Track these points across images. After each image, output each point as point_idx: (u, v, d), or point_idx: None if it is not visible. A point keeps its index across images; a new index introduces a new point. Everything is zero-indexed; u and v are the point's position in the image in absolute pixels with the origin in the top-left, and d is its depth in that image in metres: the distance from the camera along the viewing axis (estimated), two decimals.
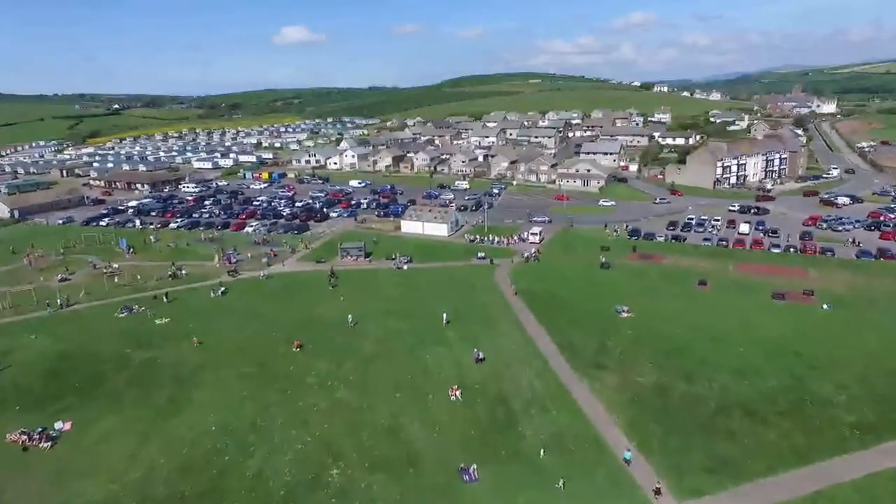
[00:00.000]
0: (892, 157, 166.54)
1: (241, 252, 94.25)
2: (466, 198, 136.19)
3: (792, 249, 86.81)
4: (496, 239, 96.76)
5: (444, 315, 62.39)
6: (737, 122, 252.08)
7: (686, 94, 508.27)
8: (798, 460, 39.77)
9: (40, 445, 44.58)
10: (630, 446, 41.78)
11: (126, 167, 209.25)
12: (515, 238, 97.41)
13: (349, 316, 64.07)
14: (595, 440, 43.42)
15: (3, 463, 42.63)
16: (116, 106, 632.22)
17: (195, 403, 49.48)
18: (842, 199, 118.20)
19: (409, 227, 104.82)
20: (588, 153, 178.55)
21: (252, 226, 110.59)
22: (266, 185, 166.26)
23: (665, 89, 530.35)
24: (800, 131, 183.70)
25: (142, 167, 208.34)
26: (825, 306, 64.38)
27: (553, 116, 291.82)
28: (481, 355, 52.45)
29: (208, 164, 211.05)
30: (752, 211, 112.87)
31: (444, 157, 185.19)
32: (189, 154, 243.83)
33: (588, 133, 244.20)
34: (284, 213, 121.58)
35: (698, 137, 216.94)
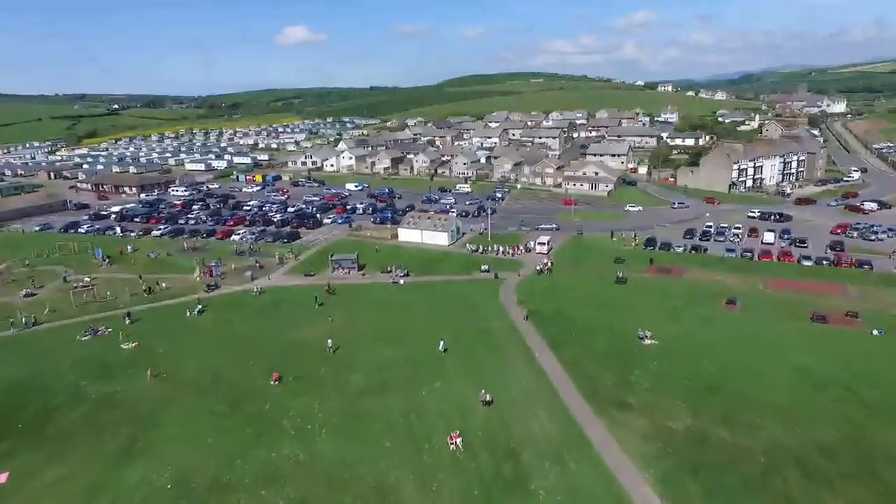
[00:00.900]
0: None
1: (224, 263, 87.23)
2: (468, 202, 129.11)
3: (825, 262, 79.46)
4: (500, 249, 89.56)
5: (441, 342, 55.15)
6: (747, 123, 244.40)
7: (691, 93, 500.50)
8: None
9: None
10: None
11: (116, 169, 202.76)
12: (521, 248, 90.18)
13: (329, 341, 56.95)
14: (621, 502, 36.27)
15: None
16: (116, 106, 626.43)
17: (153, 450, 42.35)
18: (869, 205, 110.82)
19: (407, 235, 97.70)
20: (595, 155, 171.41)
21: (239, 233, 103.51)
22: (259, 188, 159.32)
23: (669, 89, 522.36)
24: (816, 132, 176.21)
25: (132, 169, 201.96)
26: (875, 332, 57.01)
27: (557, 116, 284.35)
28: (489, 397, 45.12)
29: (201, 166, 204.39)
30: (774, 218, 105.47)
31: (444, 158, 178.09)
32: (183, 155, 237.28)
33: (593, 134, 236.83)
34: (275, 220, 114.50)
35: (708, 138, 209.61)
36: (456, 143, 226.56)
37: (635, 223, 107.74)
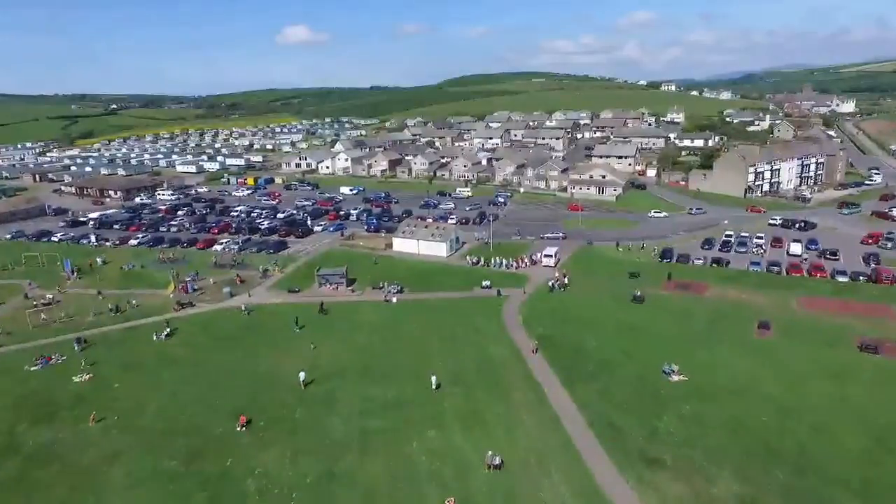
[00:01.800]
0: None
1: (202, 277, 79.97)
2: (468, 208, 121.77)
3: (861, 277, 72.00)
4: (503, 262, 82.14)
5: (434, 378, 47.77)
6: (757, 123, 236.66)
7: (694, 93, 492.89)
8: None
9: None
10: None
11: (104, 171, 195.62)
12: (526, 260, 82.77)
13: (301, 374, 49.75)
14: None
15: None
16: (114, 106, 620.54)
17: None
18: None
19: (403, 245, 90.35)
20: (600, 157, 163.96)
21: (222, 243, 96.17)
22: (250, 191, 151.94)
23: (673, 88, 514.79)
24: (832, 132, 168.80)
25: (120, 171, 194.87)
26: None
27: (560, 116, 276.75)
28: (497, 460, 37.46)
29: (192, 168, 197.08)
30: (798, 226, 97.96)
31: (444, 160, 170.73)
32: (175, 157, 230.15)
33: (598, 134, 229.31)
34: (263, 227, 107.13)
35: (717, 139, 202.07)
36: (456, 145, 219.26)
37: (648, 231, 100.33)
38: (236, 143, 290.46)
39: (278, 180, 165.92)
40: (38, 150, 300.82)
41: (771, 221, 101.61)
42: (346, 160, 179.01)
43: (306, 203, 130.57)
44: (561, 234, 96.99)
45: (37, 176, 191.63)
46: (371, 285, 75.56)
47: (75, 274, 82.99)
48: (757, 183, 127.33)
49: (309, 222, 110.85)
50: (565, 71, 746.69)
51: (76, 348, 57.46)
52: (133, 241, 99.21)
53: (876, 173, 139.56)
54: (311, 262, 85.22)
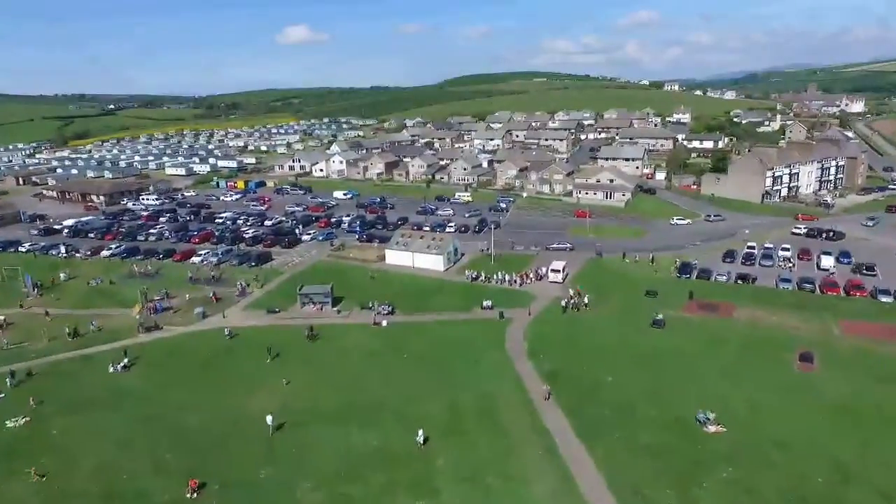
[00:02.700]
0: None
1: (174, 295, 72.67)
2: (467, 214, 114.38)
3: None
4: (506, 277, 74.70)
5: (420, 433, 40.19)
6: (768, 123, 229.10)
7: (698, 92, 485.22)
8: None
9: None
10: None
11: (91, 174, 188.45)
12: (531, 275, 75.35)
13: (268, 418, 42.56)
14: None
15: None
16: (111, 106, 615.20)
17: None
18: None
19: (396, 258, 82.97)
20: (606, 159, 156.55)
21: (200, 254, 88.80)
22: (240, 195, 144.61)
23: (676, 88, 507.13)
24: (850, 133, 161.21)
25: (107, 174, 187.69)
26: None
27: (563, 116, 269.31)
28: None
29: (182, 171, 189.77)
30: (825, 236, 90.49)
31: (443, 162, 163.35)
32: (166, 159, 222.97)
33: (603, 135, 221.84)
34: (248, 236, 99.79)
35: (727, 140, 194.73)
36: (456, 146, 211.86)
37: (661, 241, 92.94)
38: (230, 144, 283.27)
39: (269, 184, 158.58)
40: (28, 152, 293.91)
41: (795, 230, 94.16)
42: (341, 162, 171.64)
43: (296, 209, 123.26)
44: (568, 245, 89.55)
45: (21, 179, 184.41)
46: (360, 305, 68.17)
47: (37, 290, 75.76)
48: (775, 188, 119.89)
49: (297, 231, 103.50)
50: (566, 71, 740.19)
51: (8, 384, 50.10)
52: (105, 252, 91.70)
53: None
54: (295, 277, 77.82)
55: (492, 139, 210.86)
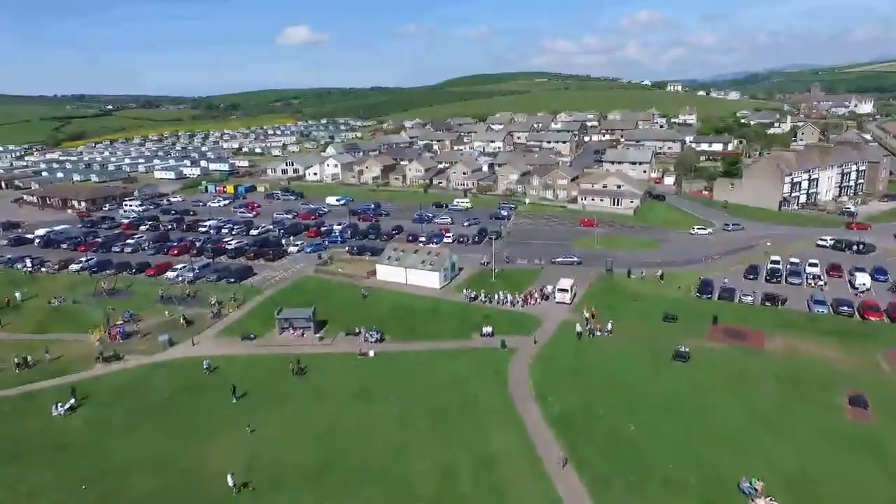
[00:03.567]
0: None
1: (139, 317, 65.72)
2: (466, 223, 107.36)
3: None
4: (508, 297, 67.62)
5: None
6: (778, 125, 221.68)
7: (702, 93, 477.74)
8: None
9: None
10: None
11: (77, 177, 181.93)
12: (536, 295, 68.25)
13: (229, 478, 35.78)
14: None
15: None
16: (110, 107, 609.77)
17: None
18: None
19: (388, 273, 75.98)
20: (612, 162, 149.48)
21: (176, 269, 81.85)
22: (228, 201, 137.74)
23: (679, 88, 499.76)
24: (868, 136, 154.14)
25: (94, 178, 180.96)
26: None
27: (566, 118, 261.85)
28: None
29: (171, 175, 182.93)
30: (853, 248, 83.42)
31: (442, 166, 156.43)
32: (157, 161, 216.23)
33: (607, 137, 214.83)
34: (230, 247, 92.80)
35: (737, 142, 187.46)
36: (455, 148, 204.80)
37: (675, 253, 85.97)
38: (225, 146, 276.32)
39: (260, 188, 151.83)
40: (18, 154, 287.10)
41: (820, 242, 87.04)
42: (336, 166, 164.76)
43: (286, 216, 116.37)
44: (575, 259, 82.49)
45: (3, 183, 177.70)
46: (345, 329, 61.16)
47: None
48: (793, 194, 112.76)
49: (284, 241, 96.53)
50: (567, 71, 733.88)
51: None
52: (75, 266, 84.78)
53: None
54: (276, 296, 70.87)
55: (492, 141, 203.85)
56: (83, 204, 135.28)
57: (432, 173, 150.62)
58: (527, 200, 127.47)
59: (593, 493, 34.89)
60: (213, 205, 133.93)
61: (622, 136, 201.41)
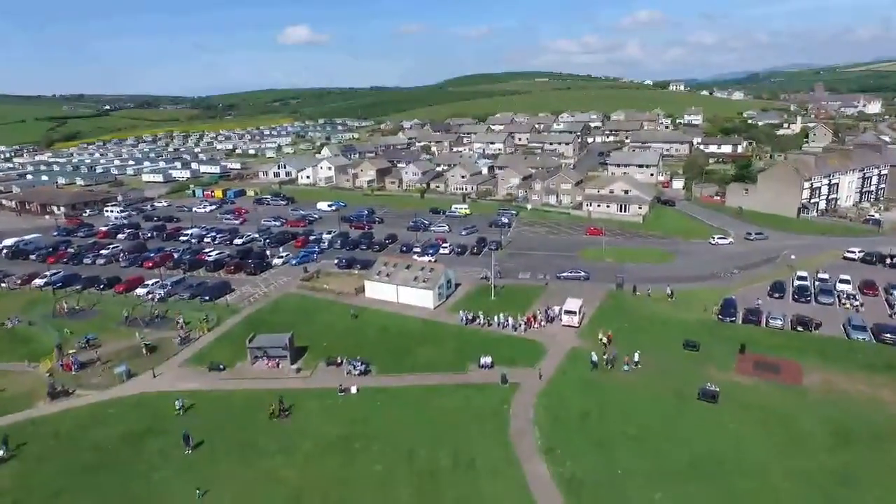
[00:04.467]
0: None
1: (98, 343, 58.94)
2: (464, 231, 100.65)
3: None
4: (509, 320, 60.77)
5: None
6: (787, 126, 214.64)
7: (705, 92, 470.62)
8: None
9: None
10: None
11: (62, 180, 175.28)
12: (540, 317, 61.42)
13: None
14: None
15: None
16: (107, 107, 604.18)
17: None
18: None
19: (378, 291, 69.21)
20: (618, 165, 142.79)
21: (148, 284, 75.06)
22: (215, 206, 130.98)
23: (682, 87, 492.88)
24: (886, 138, 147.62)
25: (79, 181, 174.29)
26: None
27: (568, 118, 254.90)
28: None
29: (159, 178, 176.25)
30: (887, 261, 76.51)
31: (440, 169, 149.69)
32: (148, 163, 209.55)
33: (611, 138, 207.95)
34: (210, 259, 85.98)
35: (747, 144, 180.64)
36: (454, 150, 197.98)
37: (690, 267, 79.24)
38: (219, 147, 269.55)
39: (250, 192, 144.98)
40: (7, 155, 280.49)
41: (848, 255, 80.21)
42: (329, 169, 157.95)
43: (273, 224, 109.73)
44: (582, 273, 75.69)
45: None
46: (326, 359, 54.38)
47: None
48: (812, 200, 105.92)
49: (268, 253, 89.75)
50: (568, 71, 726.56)
51: None
52: (38, 281, 77.99)
53: None
54: (252, 317, 64.10)
55: (492, 143, 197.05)
56: (62, 209, 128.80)
57: (430, 177, 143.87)
58: (528, 206, 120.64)
59: None
60: (198, 210, 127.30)
61: (627, 138, 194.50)
